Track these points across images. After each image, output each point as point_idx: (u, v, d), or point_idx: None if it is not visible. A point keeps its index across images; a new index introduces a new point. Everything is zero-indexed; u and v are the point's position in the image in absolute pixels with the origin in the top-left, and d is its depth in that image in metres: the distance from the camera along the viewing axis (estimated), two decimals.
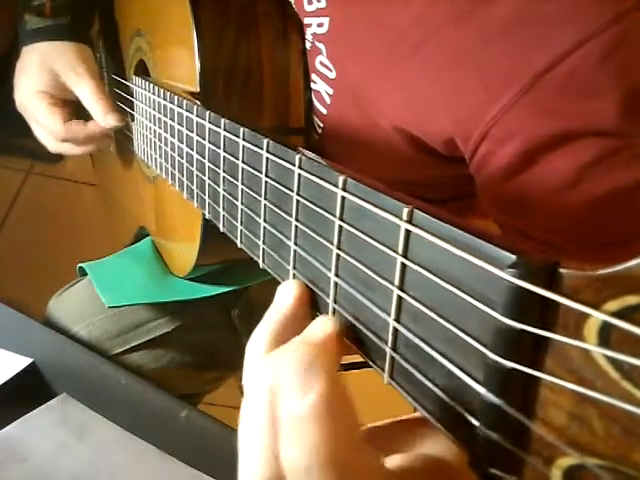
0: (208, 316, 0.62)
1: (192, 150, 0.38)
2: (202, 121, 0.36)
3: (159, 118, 0.47)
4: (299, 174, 0.24)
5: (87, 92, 0.56)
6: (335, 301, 0.23)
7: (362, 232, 0.21)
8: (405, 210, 0.18)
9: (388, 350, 0.20)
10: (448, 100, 0.38)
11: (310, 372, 0.17)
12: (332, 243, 0.22)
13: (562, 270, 0.14)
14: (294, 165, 0.25)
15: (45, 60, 0.56)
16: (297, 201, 0.25)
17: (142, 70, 0.58)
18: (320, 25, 0.46)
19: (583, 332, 0.13)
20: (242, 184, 0.30)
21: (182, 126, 0.40)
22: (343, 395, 0.17)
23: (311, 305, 0.24)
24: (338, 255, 0.22)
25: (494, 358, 0.15)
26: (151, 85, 0.48)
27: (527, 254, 0.15)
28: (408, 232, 0.18)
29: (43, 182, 1.32)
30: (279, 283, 0.27)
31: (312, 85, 0.49)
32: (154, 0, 0.54)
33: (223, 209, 0.34)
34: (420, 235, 0.18)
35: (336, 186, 0.22)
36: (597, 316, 0.13)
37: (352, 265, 0.21)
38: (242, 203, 0.31)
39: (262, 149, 0.27)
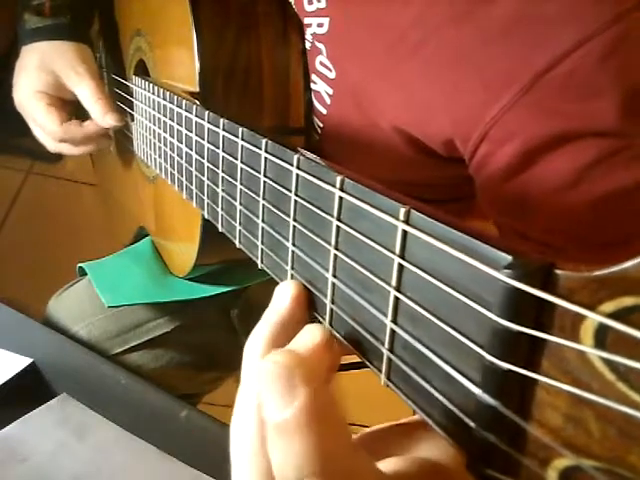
0: (207, 316, 0.62)
1: (191, 150, 0.38)
2: (201, 121, 0.36)
3: (158, 118, 0.47)
4: (297, 174, 0.24)
5: (87, 92, 0.56)
6: (333, 302, 0.23)
7: (359, 232, 0.21)
8: (402, 210, 0.18)
9: (385, 351, 0.20)
10: (448, 100, 0.38)
11: (292, 382, 0.16)
12: (330, 243, 0.22)
13: (558, 271, 0.14)
14: (292, 165, 0.25)
15: (45, 60, 0.56)
16: (295, 201, 0.25)
17: (142, 70, 0.58)
18: (320, 25, 0.46)
19: (579, 333, 0.13)
20: (241, 184, 0.30)
21: (181, 126, 0.40)
22: (327, 404, 0.17)
23: (308, 306, 0.24)
24: (336, 255, 0.22)
25: (490, 359, 0.15)
26: (151, 85, 0.48)
27: (523, 255, 0.15)
28: (405, 233, 0.18)
29: (43, 182, 1.32)
30: (278, 283, 0.28)
31: (312, 85, 0.49)
32: (154, 0, 0.54)
33: (222, 209, 0.34)
34: (417, 236, 0.18)
35: (334, 186, 0.22)
36: (593, 317, 0.13)
37: (349, 266, 0.21)
38: (240, 203, 0.31)
39: (260, 149, 0.27)
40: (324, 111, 0.48)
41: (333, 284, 0.22)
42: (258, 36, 0.48)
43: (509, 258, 0.15)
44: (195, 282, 0.58)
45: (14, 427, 0.47)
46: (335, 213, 0.22)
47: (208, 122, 0.34)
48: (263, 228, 0.28)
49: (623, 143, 0.33)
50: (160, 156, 0.48)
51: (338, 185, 0.21)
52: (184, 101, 0.40)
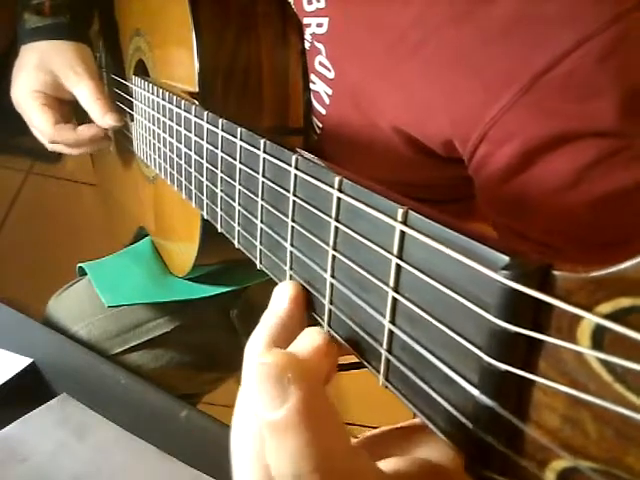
0: (207, 316, 0.62)
1: (190, 150, 0.38)
2: (200, 121, 0.36)
3: (158, 118, 0.47)
4: (295, 175, 0.24)
5: (85, 92, 0.56)
6: (331, 302, 0.23)
7: (357, 233, 0.20)
8: (400, 211, 0.18)
9: (383, 352, 0.20)
10: (448, 100, 0.38)
11: (283, 382, 0.16)
12: (328, 244, 0.22)
13: (555, 272, 0.14)
14: (290, 165, 0.25)
15: (44, 59, 0.56)
16: (293, 202, 0.25)
17: (141, 70, 0.58)
18: (319, 25, 0.46)
19: (576, 334, 0.13)
20: (239, 184, 0.30)
21: (180, 126, 0.40)
22: (322, 404, 0.17)
23: (307, 306, 0.24)
24: (334, 256, 0.22)
25: (488, 360, 0.15)
26: (150, 85, 0.48)
27: (521, 256, 0.15)
28: (403, 233, 0.18)
29: (43, 182, 1.32)
30: (277, 284, 0.28)
31: (311, 85, 0.49)
32: (154, 0, 0.54)
33: (221, 209, 0.34)
34: (415, 236, 0.18)
35: (332, 187, 0.22)
36: (590, 318, 0.13)
37: (348, 266, 0.21)
38: (239, 204, 0.31)
39: (259, 149, 0.27)
40: (323, 111, 0.48)
41: (331, 284, 0.22)
42: (257, 36, 0.48)
43: (506, 259, 0.15)
44: (195, 282, 0.58)
45: (14, 427, 0.47)
46: (333, 214, 0.22)
47: (207, 122, 0.34)
48: (262, 228, 0.28)
49: (623, 143, 0.33)
50: (159, 156, 0.48)
51: (336, 186, 0.21)
52: (183, 101, 0.40)
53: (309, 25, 0.47)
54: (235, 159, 0.30)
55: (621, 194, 0.34)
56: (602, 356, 0.13)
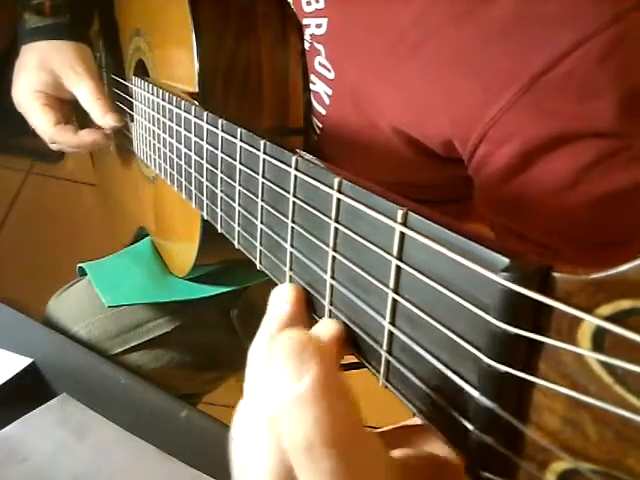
0: (207, 316, 0.62)
1: (190, 151, 0.38)
2: (200, 122, 0.36)
3: (158, 118, 0.47)
4: (295, 175, 0.24)
5: (85, 92, 0.56)
6: (331, 303, 0.23)
7: (357, 234, 0.20)
8: (400, 212, 0.18)
9: (383, 353, 0.20)
10: (448, 100, 0.38)
11: (304, 356, 0.17)
12: (328, 245, 0.22)
13: (555, 274, 0.14)
14: (290, 166, 0.25)
15: (44, 59, 0.56)
16: (293, 203, 0.25)
17: (141, 70, 0.58)
18: (318, 26, 0.46)
19: (576, 336, 0.13)
20: (239, 185, 0.30)
21: (180, 127, 0.40)
22: (340, 382, 0.17)
23: (308, 307, 0.24)
24: (334, 257, 0.22)
25: (488, 362, 0.15)
26: (150, 85, 0.48)
27: (521, 258, 0.15)
28: (403, 234, 0.18)
29: (43, 182, 1.32)
30: (277, 284, 0.27)
31: (311, 86, 0.49)
32: (154, 0, 0.54)
33: (221, 210, 0.34)
34: (414, 238, 0.18)
35: (332, 188, 0.22)
36: (590, 320, 0.13)
37: (348, 267, 0.21)
38: (239, 204, 0.31)
39: (259, 150, 0.27)
40: (323, 112, 0.48)
41: (331, 286, 0.22)
42: (257, 37, 0.48)
43: (506, 261, 0.15)
44: (195, 282, 0.58)
45: (14, 427, 0.47)
46: (333, 215, 0.22)
47: (207, 123, 0.34)
48: (262, 229, 0.28)
49: (622, 144, 0.33)
50: (159, 156, 0.48)
51: (336, 187, 0.21)
52: (183, 102, 0.40)
53: (308, 26, 0.47)
54: (235, 160, 0.30)
55: (620, 194, 0.34)
56: (602, 358, 0.13)
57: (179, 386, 0.61)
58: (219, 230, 0.35)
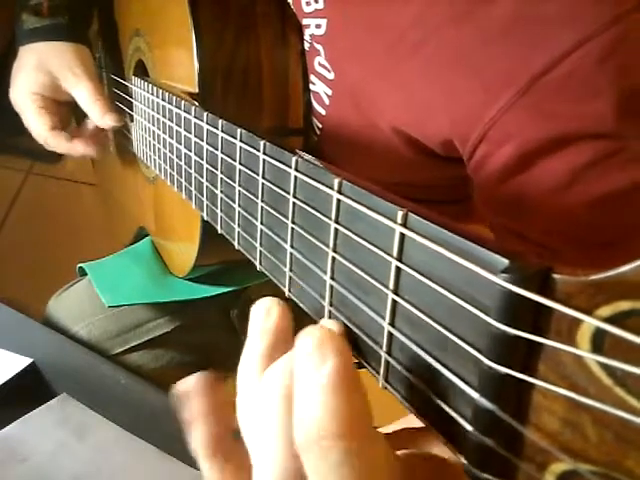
0: (207, 316, 0.62)
1: (190, 151, 0.38)
2: (200, 122, 0.36)
3: (158, 119, 0.47)
4: (295, 176, 0.24)
5: (84, 93, 0.56)
6: (331, 304, 0.23)
7: (357, 235, 0.20)
8: (400, 213, 0.18)
9: (383, 354, 0.20)
10: (447, 100, 0.38)
11: (323, 348, 0.17)
12: (328, 246, 0.22)
13: (555, 275, 0.14)
14: (290, 167, 0.25)
15: (42, 60, 0.56)
16: (293, 203, 0.25)
17: (141, 70, 0.58)
18: (318, 26, 0.46)
19: (576, 338, 0.13)
20: (239, 186, 0.30)
21: (180, 127, 0.40)
22: (357, 376, 0.17)
23: (307, 308, 0.24)
24: (333, 258, 0.22)
25: (488, 363, 0.15)
26: (150, 86, 0.48)
27: (520, 259, 0.15)
28: (402, 235, 0.18)
29: (43, 182, 1.32)
30: (277, 284, 0.27)
31: (311, 86, 0.49)
32: (153, 0, 0.54)
33: (221, 210, 0.34)
34: (414, 239, 0.18)
35: (332, 188, 0.22)
36: (590, 322, 0.13)
37: (347, 268, 0.21)
38: (239, 205, 0.31)
39: (259, 151, 0.27)
40: (323, 112, 0.48)
41: (331, 286, 0.22)
42: (257, 37, 0.48)
43: (506, 262, 0.15)
44: (195, 282, 0.58)
45: (14, 427, 0.47)
46: (333, 215, 0.22)
47: (207, 123, 0.34)
48: (262, 230, 0.28)
49: (619, 145, 0.33)
50: (159, 157, 0.48)
51: (336, 187, 0.21)
52: (183, 102, 0.40)
53: (308, 26, 0.47)
54: (235, 160, 0.30)
55: (618, 195, 0.34)
56: (602, 359, 0.13)
57: None
58: (219, 231, 0.35)
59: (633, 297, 0.12)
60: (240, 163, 0.30)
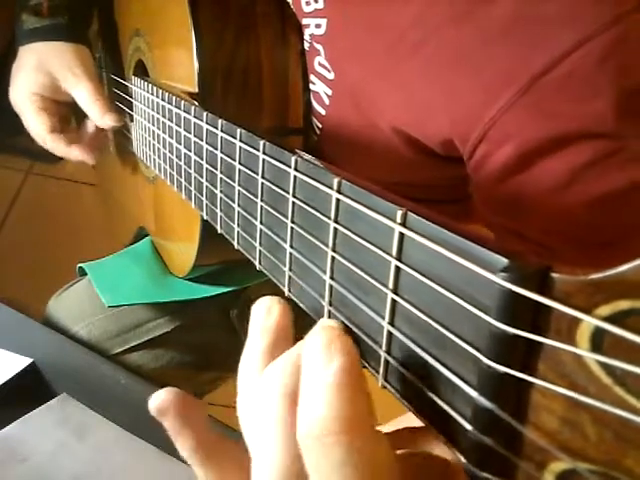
0: (207, 316, 0.62)
1: (190, 151, 0.38)
2: (199, 122, 0.36)
3: (157, 119, 0.47)
4: (295, 176, 0.24)
5: (84, 93, 0.55)
6: (330, 303, 0.23)
7: (357, 234, 0.20)
8: (399, 213, 0.18)
9: (382, 353, 0.20)
10: (448, 100, 0.38)
11: (332, 347, 0.17)
12: (327, 245, 0.22)
13: (554, 274, 0.14)
14: (290, 167, 0.25)
15: (42, 61, 0.56)
16: (293, 203, 0.25)
17: (141, 70, 0.58)
18: (318, 26, 0.46)
19: (575, 337, 0.13)
20: (239, 185, 0.30)
21: (180, 127, 0.40)
22: (363, 376, 0.17)
23: (306, 308, 0.24)
24: (333, 257, 0.22)
25: (487, 362, 0.15)
26: (150, 85, 0.48)
27: (520, 258, 0.15)
28: (402, 235, 0.18)
29: (43, 182, 1.32)
30: (276, 284, 0.27)
31: (311, 86, 0.49)
32: (153, 0, 0.54)
33: (220, 210, 0.34)
34: (414, 238, 0.18)
35: (331, 188, 0.22)
36: (589, 321, 0.13)
37: (347, 268, 0.21)
38: (239, 205, 0.31)
39: (258, 150, 0.27)
40: (323, 112, 0.48)
41: (331, 286, 0.22)
42: (257, 37, 0.48)
43: (505, 261, 0.15)
44: (195, 282, 0.58)
45: (14, 427, 0.47)
46: (332, 215, 0.22)
47: (206, 123, 0.34)
48: (261, 229, 0.28)
49: (618, 145, 0.33)
50: (159, 157, 0.48)
51: (335, 187, 0.21)
52: (183, 102, 0.40)
53: (308, 26, 0.47)
54: (234, 160, 0.30)
55: (617, 195, 0.34)
56: (601, 359, 0.13)
57: (179, 386, 0.60)
58: (219, 230, 0.35)
59: (632, 296, 0.12)
60: (240, 163, 0.30)
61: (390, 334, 0.19)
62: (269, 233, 0.27)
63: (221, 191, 0.33)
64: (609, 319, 0.13)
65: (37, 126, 0.57)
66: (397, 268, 0.19)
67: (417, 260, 0.18)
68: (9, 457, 0.45)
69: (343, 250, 0.22)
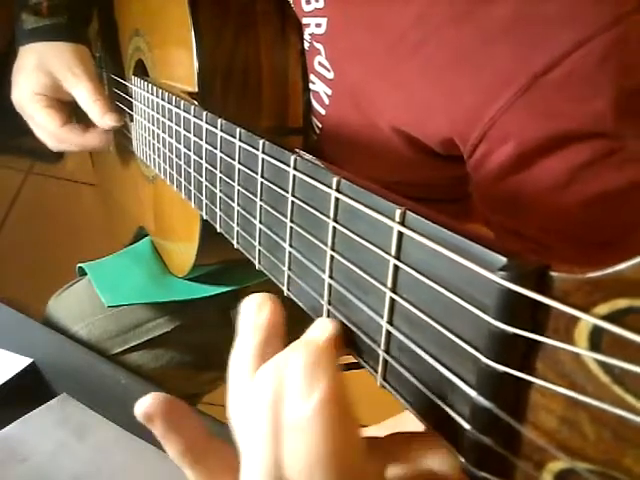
0: (207, 316, 0.62)
1: (189, 151, 0.38)
2: (199, 121, 0.36)
3: (157, 118, 0.47)
4: (294, 175, 0.24)
5: (84, 93, 0.55)
6: (329, 302, 0.23)
7: (355, 233, 0.20)
8: (398, 212, 0.18)
9: (381, 352, 0.20)
10: (448, 100, 0.38)
11: (314, 373, 0.16)
12: (326, 244, 0.22)
13: (553, 273, 0.14)
14: (289, 166, 0.25)
15: (42, 61, 0.56)
16: (292, 202, 0.25)
17: (141, 70, 0.58)
18: (318, 25, 0.46)
19: (574, 336, 0.13)
20: (238, 185, 0.30)
21: (180, 126, 0.40)
22: (345, 397, 0.17)
23: (305, 307, 0.24)
24: (332, 257, 0.22)
25: (486, 362, 0.15)
26: (149, 85, 0.48)
27: (518, 257, 0.14)
28: (401, 234, 0.18)
29: (43, 182, 1.32)
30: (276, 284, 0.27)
31: (311, 86, 0.49)
32: (153, 0, 0.54)
33: (220, 210, 0.34)
34: (412, 237, 0.18)
35: (330, 187, 0.22)
36: (587, 319, 0.13)
37: (346, 267, 0.21)
38: (238, 204, 0.31)
39: (257, 150, 0.27)
40: (323, 112, 0.48)
41: (330, 285, 0.22)
42: (257, 36, 0.48)
43: (504, 260, 0.15)
44: (195, 282, 0.58)
45: (14, 427, 0.47)
46: (331, 214, 0.22)
47: (206, 123, 0.34)
48: (260, 229, 0.28)
49: (616, 145, 0.33)
50: (159, 156, 0.48)
51: (334, 186, 0.21)
52: (182, 101, 0.40)
53: (308, 25, 0.47)
54: (234, 159, 0.30)
55: (615, 194, 0.34)
56: (600, 357, 0.13)
57: (179, 386, 0.61)
58: (218, 230, 0.35)
59: (630, 295, 0.12)
60: (239, 162, 0.30)
61: (389, 333, 0.19)
62: (268, 232, 0.27)
63: (220, 190, 0.33)
64: (607, 318, 0.13)
65: (47, 123, 0.57)
66: (396, 267, 0.19)
67: (416, 259, 0.18)
68: (9, 457, 0.45)
69: (342, 249, 0.22)
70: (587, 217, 0.35)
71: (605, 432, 0.13)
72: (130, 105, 0.57)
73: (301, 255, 0.24)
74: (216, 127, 0.33)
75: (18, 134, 0.64)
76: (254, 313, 0.21)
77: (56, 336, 0.56)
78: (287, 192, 0.25)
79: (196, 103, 0.38)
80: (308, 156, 0.24)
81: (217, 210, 0.34)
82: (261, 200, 0.28)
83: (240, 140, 0.30)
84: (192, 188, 0.39)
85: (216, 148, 0.33)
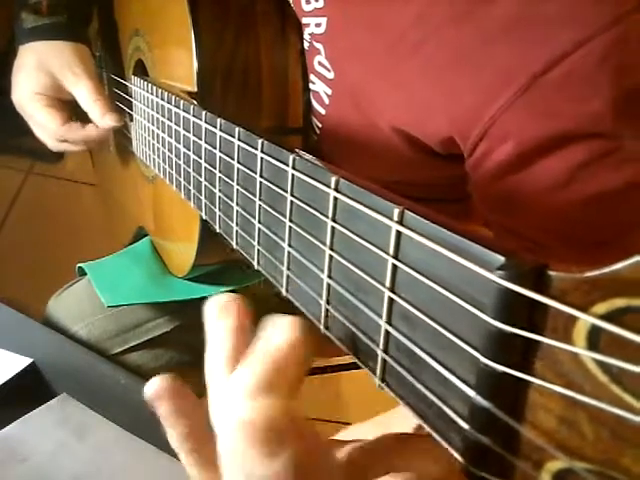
0: None
1: (189, 150, 0.38)
2: (198, 121, 0.36)
3: (157, 118, 0.47)
4: (293, 175, 0.24)
5: (84, 93, 0.55)
6: (328, 302, 0.23)
7: (354, 233, 0.20)
8: (396, 211, 0.18)
9: (379, 352, 0.20)
10: (448, 100, 0.38)
11: (274, 440, 0.16)
12: (325, 244, 0.22)
13: (551, 272, 0.14)
14: (288, 165, 0.25)
15: (42, 60, 0.56)
16: (291, 202, 0.25)
17: (141, 70, 0.58)
18: (318, 25, 0.46)
19: (572, 335, 0.13)
20: (237, 184, 0.30)
21: (179, 126, 0.40)
22: (315, 461, 0.16)
23: (304, 307, 0.24)
24: (331, 256, 0.22)
25: (484, 361, 0.15)
26: (149, 85, 0.48)
27: (516, 256, 0.14)
28: (399, 233, 0.18)
29: (43, 182, 1.32)
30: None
31: (311, 85, 0.49)
32: (153, 0, 0.54)
33: (219, 210, 0.34)
34: (411, 236, 0.18)
35: (328, 186, 0.22)
36: (585, 319, 0.13)
37: (344, 266, 0.21)
38: (237, 204, 0.31)
39: (257, 149, 0.27)
40: (323, 111, 0.48)
41: (328, 285, 0.22)
42: (257, 36, 0.48)
43: (502, 259, 0.15)
44: (194, 282, 0.58)
45: (14, 427, 0.47)
46: (330, 214, 0.22)
47: (205, 122, 0.34)
48: (259, 228, 0.28)
49: (614, 145, 0.33)
50: (158, 156, 0.48)
51: (333, 185, 0.21)
52: (182, 101, 0.40)
53: (308, 25, 0.47)
54: (233, 159, 0.30)
55: (613, 194, 0.34)
56: (598, 357, 0.13)
57: None
58: (217, 230, 0.35)
59: (628, 294, 0.12)
60: (238, 162, 0.30)
61: (387, 333, 0.19)
62: (267, 232, 0.27)
63: (220, 190, 0.33)
64: (605, 317, 0.13)
65: (48, 122, 0.56)
66: (394, 266, 0.19)
67: (414, 258, 0.18)
68: (9, 457, 0.45)
69: (341, 249, 0.21)
70: (585, 217, 0.35)
71: (603, 431, 0.13)
72: (130, 105, 0.57)
73: (300, 255, 0.24)
74: (215, 127, 0.33)
75: (18, 134, 0.64)
76: (217, 315, 0.22)
77: (56, 336, 0.56)
78: (286, 192, 0.25)
79: (195, 103, 0.38)
80: (307, 156, 0.24)
81: (216, 210, 0.34)
82: (260, 200, 0.28)
83: (239, 139, 0.30)
84: (191, 188, 0.39)
85: (215, 148, 0.33)
